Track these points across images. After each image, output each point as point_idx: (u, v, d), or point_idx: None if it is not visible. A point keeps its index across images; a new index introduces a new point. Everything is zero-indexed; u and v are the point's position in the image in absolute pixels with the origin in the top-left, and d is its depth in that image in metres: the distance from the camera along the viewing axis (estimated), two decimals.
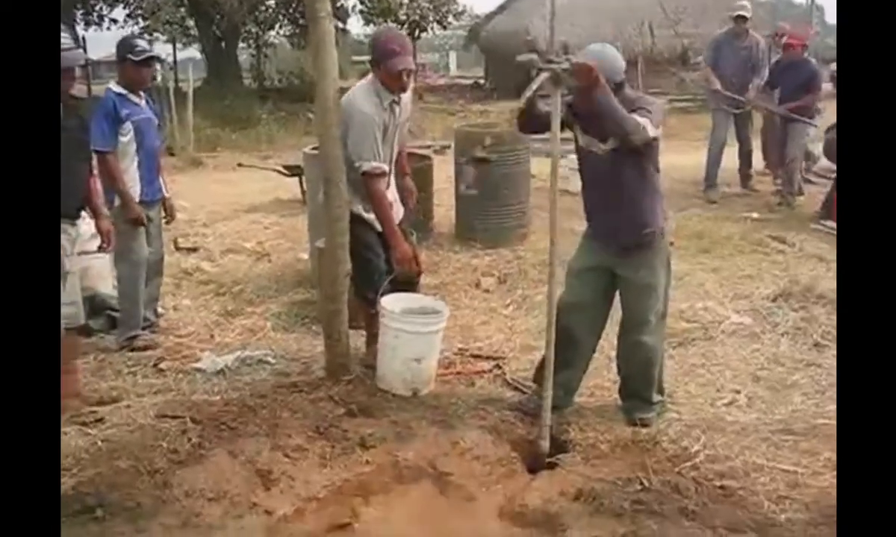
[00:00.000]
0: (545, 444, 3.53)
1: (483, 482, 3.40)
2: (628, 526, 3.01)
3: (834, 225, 6.13)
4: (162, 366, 4.61)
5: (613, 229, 3.76)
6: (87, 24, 22.02)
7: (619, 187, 3.68)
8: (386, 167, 4.20)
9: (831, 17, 26.90)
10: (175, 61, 23.52)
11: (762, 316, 5.26)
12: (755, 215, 8.11)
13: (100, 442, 3.63)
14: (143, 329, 5.02)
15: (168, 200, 5.19)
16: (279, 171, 9.51)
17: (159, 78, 17.44)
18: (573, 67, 3.29)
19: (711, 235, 7.16)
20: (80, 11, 21.65)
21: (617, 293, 3.92)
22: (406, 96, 4.31)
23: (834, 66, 16.42)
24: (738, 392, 4.25)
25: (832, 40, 25.00)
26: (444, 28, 24.91)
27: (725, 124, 9.03)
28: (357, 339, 4.63)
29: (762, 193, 9.24)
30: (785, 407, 4.07)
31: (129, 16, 21.92)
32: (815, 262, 6.37)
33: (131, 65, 4.70)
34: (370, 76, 4.25)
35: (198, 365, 4.58)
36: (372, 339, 4.43)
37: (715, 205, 8.67)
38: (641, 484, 3.26)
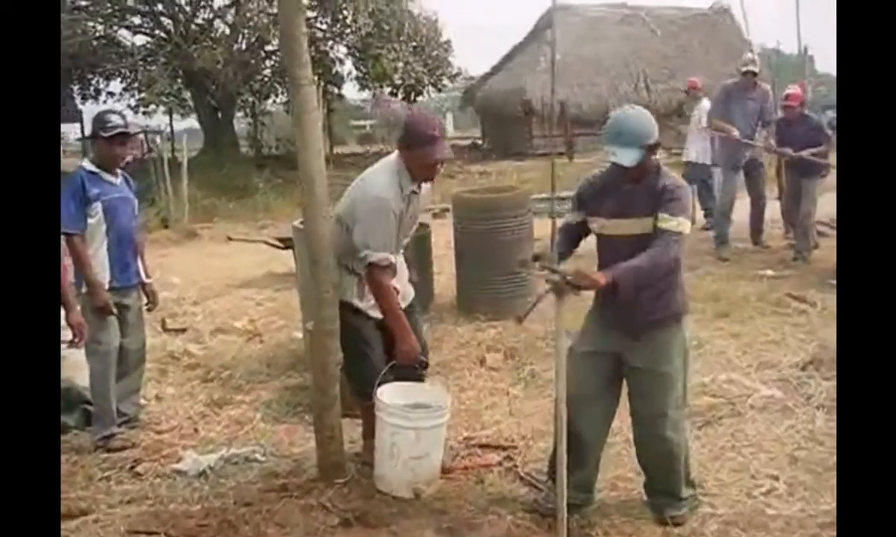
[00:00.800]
0: None
1: None
2: None
3: None
4: (139, 469, 4.18)
5: (629, 309, 3.33)
6: (84, 97, 22.07)
7: None
8: (394, 259, 3.80)
9: (822, 65, 27.03)
10: (172, 132, 23.53)
11: (793, 387, 4.85)
12: (770, 272, 7.77)
13: None
14: (122, 425, 4.62)
15: (149, 285, 4.82)
16: (271, 244, 9.17)
17: (155, 150, 17.36)
18: (576, 279, 3.05)
19: (728, 296, 6.79)
20: (77, 86, 21.68)
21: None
22: (426, 186, 3.95)
23: (830, 113, 16.38)
24: (775, 478, 3.82)
25: (824, 88, 25.11)
26: (440, 90, 24.94)
27: (734, 180, 8.79)
28: (352, 431, 4.23)
29: (774, 249, 8.92)
30: (831, 495, 3.62)
31: (125, 89, 21.96)
32: None
33: (103, 141, 4.41)
34: (394, 157, 3.85)
35: (178, 466, 4.16)
36: (369, 432, 4.03)
37: (727, 262, 8.34)
38: None
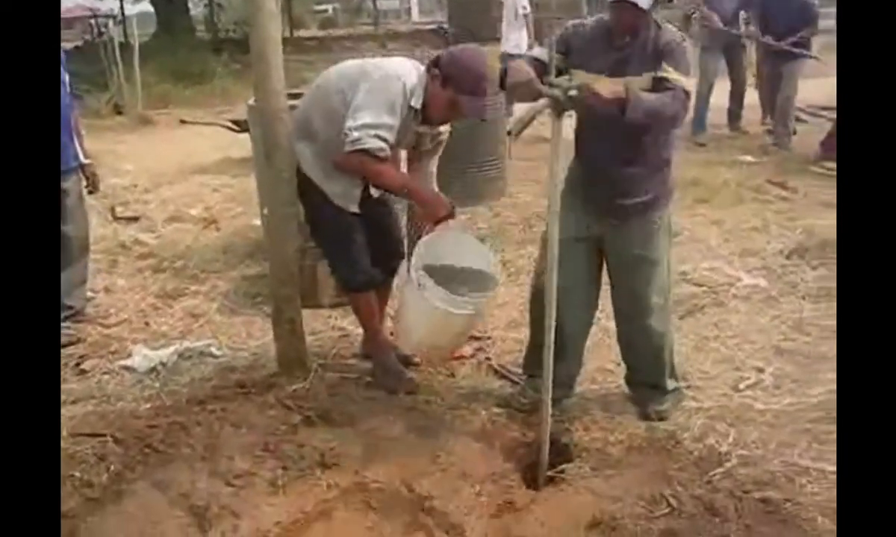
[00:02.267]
0: (545, 455, 2.88)
1: (471, 506, 2.72)
2: None
3: (835, 166, 5.54)
4: (85, 365, 3.88)
5: (612, 187, 3.01)
6: None
7: (631, 145, 2.95)
8: (387, 149, 3.18)
9: None
10: (124, 16, 22.36)
11: (777, 275, 4.65)
12: (749, 158, 7.55)
13: None
14: (67, 319, 4.29)
15: (89, 167, 4.41)
16: (227, 127, 8.69)
17: (106, 34, 16.45)
18: (583, 95, 2.60)
19: (707, 183, 6.53)
20: None
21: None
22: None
23: None
24: (761, 370, 3.63)
25: None
26: None
27: (715, 64, 8.45)
28: (314, 322, 3.96)
29: (752, 135, 8.66)
30: (819, 387, 3.44)
31: None
32: (824, 210, 5.70)
33: None
34: (422, 72, 3.25)
35: (127, 362, 3.86)
36: (366, 326, 3.64)
37: (704, 147, 8.08)
38: (669, 504, 2.65)
